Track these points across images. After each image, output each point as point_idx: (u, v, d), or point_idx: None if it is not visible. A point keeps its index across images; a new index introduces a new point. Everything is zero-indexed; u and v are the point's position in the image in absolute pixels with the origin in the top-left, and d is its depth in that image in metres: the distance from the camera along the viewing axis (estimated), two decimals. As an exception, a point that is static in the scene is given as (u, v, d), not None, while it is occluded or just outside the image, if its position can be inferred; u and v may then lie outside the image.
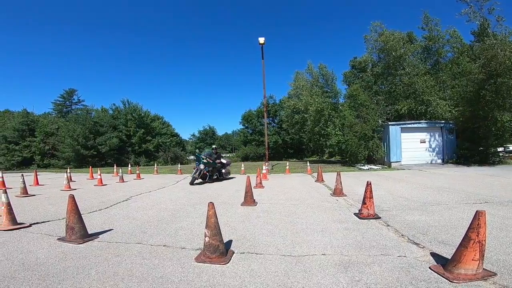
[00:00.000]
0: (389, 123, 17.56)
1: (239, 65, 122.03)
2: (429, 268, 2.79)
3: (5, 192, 4.67)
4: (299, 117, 24.04)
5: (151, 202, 6.95)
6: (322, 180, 10.40)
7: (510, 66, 13.85)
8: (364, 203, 4.94)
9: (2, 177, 10.53)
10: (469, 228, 2.56)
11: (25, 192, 8.32)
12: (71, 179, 11.98)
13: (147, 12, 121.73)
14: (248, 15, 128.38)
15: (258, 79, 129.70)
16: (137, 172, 13.99)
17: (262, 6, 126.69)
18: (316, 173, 11.33)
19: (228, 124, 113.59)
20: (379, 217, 4.85)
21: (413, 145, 17.22)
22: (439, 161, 17.37)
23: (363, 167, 16.41)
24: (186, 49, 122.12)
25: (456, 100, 17.88)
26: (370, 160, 18.09)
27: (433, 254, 3.15)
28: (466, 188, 7.91)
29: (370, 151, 17.54)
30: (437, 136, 17.52)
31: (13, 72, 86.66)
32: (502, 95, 14.34)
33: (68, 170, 14.68)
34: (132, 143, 35.31)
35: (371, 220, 4.73)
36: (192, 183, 10.25)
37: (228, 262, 3.06)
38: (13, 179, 13.10)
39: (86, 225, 4.07)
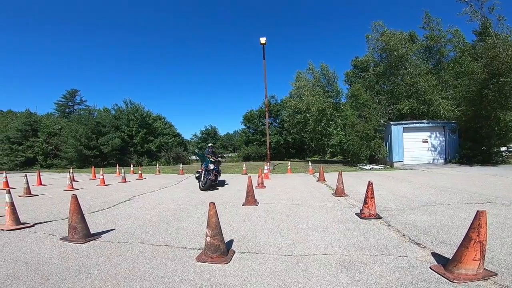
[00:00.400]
0: (391, 122, 17.51)
1: (240, 65, 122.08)
2: (430, 268, 2.79)
3: (9, 192, 4.71)
4: (300, 117, 23.99)
5: (153, 202, 6.99)
6: (324, 180, 10.39)
7: (512, 65, 13.76)
8: (365, 203, 4.94)
9: (6, 177, 10.64)
10: (470, 228, 2.56)
11: (28, 192, 8.38)
12: (74, 179, 12.06)
13: (147, 12, 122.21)
14: (248, 15, 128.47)
15: (259, 79, 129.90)
16: (139, 172, 14.05)
17: (263, 6, 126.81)
18: (318, 173, 11.33)
19: (229, 124, 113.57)
20: (381, 217, 4.84)
21: (415, 144, 17.15)
22: (442, 160, 17.29)
23: (365, 167, 16.37)
24: (187, 49, 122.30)
25: (459, 99, 17.78)
26: (372, 160, 18.04)
27: (434, 254, 3.15)
28: (469, 188, 7.88)
29: (372, 151, 17.49)
30: (439, 135, 17.44)
31: (15, 73, 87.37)
32: (505, 94, 14.25)
33: (71, 170, 14.77)
34: (134, 143, 35.40)
35: (372, 220, 4.73)
36: (206, 188, 8.64)
37: (229, 261, 3.08)
38: (16, 179, 13.19)
39: (88, 225, 4.10)
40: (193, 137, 58.86)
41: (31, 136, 34.43)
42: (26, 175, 9.10)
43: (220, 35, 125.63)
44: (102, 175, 11.38)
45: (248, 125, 46.48)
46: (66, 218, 4.93)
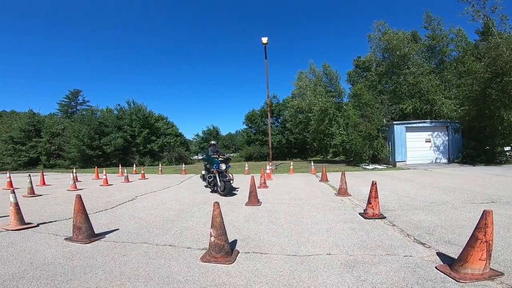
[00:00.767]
0: (394, 122, 17.44)
1: (241, 65, 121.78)
2: (436, 268, 2.78)
3: (13, 192, 4.73)
4: (303, 116, 23.96)
5: (156, 202, 7.00)
6: (327, 180, 10.37)
7: (516, 64, 13.68)
8: (369, 202, 4.92)
9: (10, 177, 10.72)
10: (476, 227, 2.54)
11: (32, 192, 8.42)
12: (77, 179, 12.13)
13: (150, 13, 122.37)
14: (250, 15, 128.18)
15: (261, 79, 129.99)
16: (142, 172, 14.09)
17: (264, 6, 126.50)
18: (320, 173, 11.31)
19: (231, 124, 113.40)
20: (385, 217, 4.83)
21: (418, 144, 17.08)
22: (445, 160, 17.21)
23: (367, 167, 16.32)
24: (189, 49, 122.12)
25: (462, 99, 17.67)
26: (374, 160, 17.98)
27: (439, 254, 3.13)
28: (472, 188, 7.83)
29: (375, 151, 17.43)
30: (442, 135, 17.36)
31: (18, 73, 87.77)
32: (509, 93, 14.15)
33: (74, 170, 14.82)
34: (137, 143, 35.49)
35: (376, 219, 4.71)
36: (227, 193, 7.61)
37: (233, 261, 3.08)
38: (20, 179, 13.28)
39: (92, 225, 4.12)
40: (195, 137, 58.89)
41: (34, 136, 34.63)
42: (29, 175, 9.15)
43: (222, 35, 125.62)
44: (105, 175, 11.42)
45: (250, 125, 46.47)
46: (70, 218, 4.96)
